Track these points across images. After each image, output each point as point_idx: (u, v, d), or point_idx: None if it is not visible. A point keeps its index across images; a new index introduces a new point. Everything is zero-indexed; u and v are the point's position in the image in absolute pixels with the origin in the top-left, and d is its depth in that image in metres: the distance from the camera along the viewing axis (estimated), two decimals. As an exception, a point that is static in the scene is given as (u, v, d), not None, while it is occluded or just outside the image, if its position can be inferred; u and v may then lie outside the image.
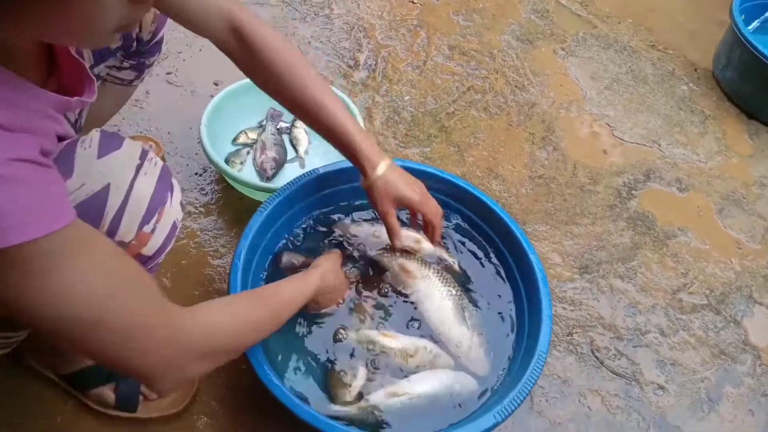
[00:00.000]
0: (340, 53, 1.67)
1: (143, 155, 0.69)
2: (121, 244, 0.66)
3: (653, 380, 1.16)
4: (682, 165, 1.60)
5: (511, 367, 0.96)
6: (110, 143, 0.67)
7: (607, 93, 1.76)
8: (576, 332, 1.20)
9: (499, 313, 1.04)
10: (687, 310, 1.28)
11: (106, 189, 0.64)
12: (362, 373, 0.90)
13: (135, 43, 0.91)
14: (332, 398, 0.88)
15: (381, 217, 0.95)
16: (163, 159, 1.27)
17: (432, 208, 0.97)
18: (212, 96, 1.30)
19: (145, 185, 0.67)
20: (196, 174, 1.30)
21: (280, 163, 1.30)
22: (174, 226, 0.72)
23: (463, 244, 1.12)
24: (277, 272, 1.02)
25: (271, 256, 1.04)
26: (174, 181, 0.73)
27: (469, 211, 1.12)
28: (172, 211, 0.71)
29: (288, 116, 1.40)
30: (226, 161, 1.27)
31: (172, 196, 0.71)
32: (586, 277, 1.29)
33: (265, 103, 1.38)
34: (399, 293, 1.00)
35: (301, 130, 1.38)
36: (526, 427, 1.05)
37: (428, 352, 0.94)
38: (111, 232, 0.65)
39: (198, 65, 1.54)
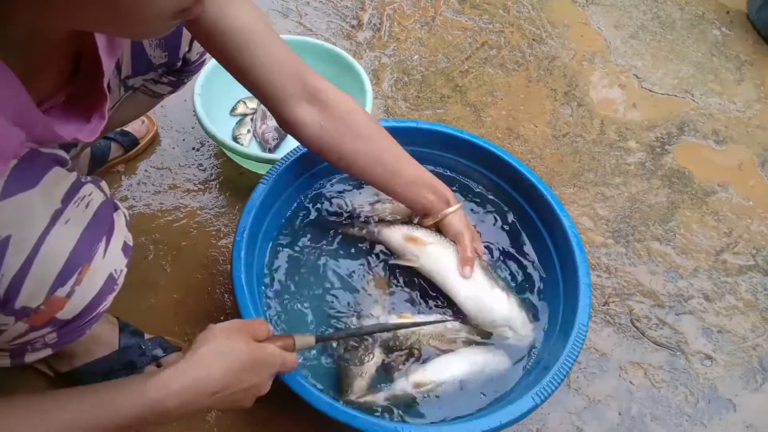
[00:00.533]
0: (342, 13, 1.55)
1: (70, 195, 0.52)
2: (23, 310, 0.50)
3: (699, 350, 1.06)
4: (719, 116, 1.48)
5: (546, 343, 0.87)
6: (23, 177, 0.49)
7: (632, 42, 1.62)
8: (613, 301, 1.10)
9: (528, 284, 0.94)
10: (733, 272, 1.18)
11: (5, 243, 0.47)
12: (376, 360, 0.81)
13: (180, 63, 0.84)
14: (343, 391, 0.80)
15: (459, 240, 0.88)
16: (154, 137, 1.19)
17: (479, 246, 0.93)
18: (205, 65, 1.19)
19: (62, 238, 0.51)
20: (193, 149, 1.21)
21: (282, 133, 1.20)
22: (110, 279, 0.56)
23: (484, 208, 1.02)
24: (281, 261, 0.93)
25: (276, 237, 0.95)
26: (116, 221, 0.58)
27: (493, 173, 1.02)
28: (106, 263, 0.55)
29: (289, 82, 1.29)
30: (234, 138, 1.18)
31: (108, 243, 0.55)
32: (620, 241, 1.19)
33: (263, 69, 1.28)
34: (405, 267, 0.90)
35: (304, 96, 1.27)
36: (564, 406, 0.96)
37: (453, 331, 0.85)
38: (8, 297, 0.49)
39: (190, 33, 1.43)
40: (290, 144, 1.20)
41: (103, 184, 0.59)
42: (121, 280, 0.59)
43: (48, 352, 0.58)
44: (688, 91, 1.52)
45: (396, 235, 0.91)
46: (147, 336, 0.88)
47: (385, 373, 0.82)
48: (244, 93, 1.26)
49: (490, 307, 0.84)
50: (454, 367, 0.81)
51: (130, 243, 0.61)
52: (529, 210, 0.98)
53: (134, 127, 1.14)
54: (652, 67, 1.57)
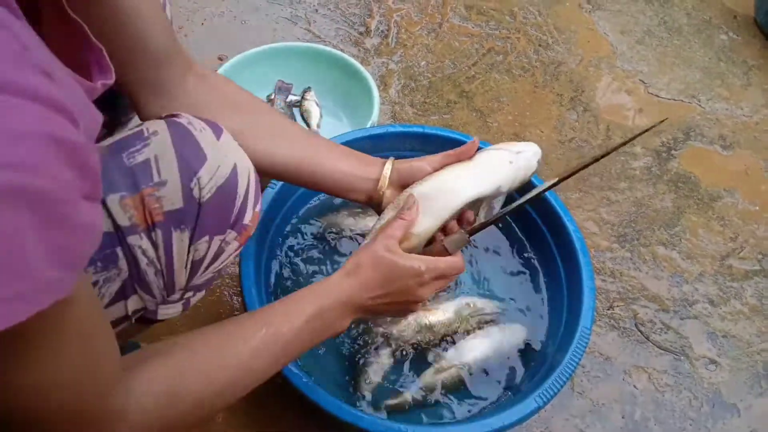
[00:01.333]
0: (350, 20, 1.57)
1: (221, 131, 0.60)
2: (243, 227, 0.59)
3: (704, 354, 1.07)
4: (725, 121, 1.48)
5: (549, 346, 0.88)
6: (213, 126, 0.58)
7: (639, 47, 1.63)
8: (617, 305, 1.10)
9: (532, 287, 0.96)
10: (738, 277, 1.18)
11: (235, 170, 0.57)
12: (384, 360, 0.84)
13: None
14: (356, 388, 0.82)
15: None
16: None
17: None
18: (216, 71, 1.22)
19: (247, 161, 0.60)
20: (203, 154, 1.23)
21: (291, 138, 1.22)
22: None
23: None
24: (289, 258, 0.95)
25: (282, 238, 0.97)
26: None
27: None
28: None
29: (298, 89, 1.32)
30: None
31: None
32: (626, 245, 1.19)
33: (273, 75, 1.30)
34: None
35: (312, 102, 1.29)
36: (568, 410, 0.97)
37: (475, 309, 0.90)
38: (239, 217, 0.58)
39: (201, 40, 1.46)
40: (298, 149, 1.22)
41: None
42: None
43: (202, 294, 0.65)
44: (694, 96, 1.53)
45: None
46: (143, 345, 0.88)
47: (412, 367, 0.87)
48: (253, 99, 1.29)
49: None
50: (474, 347, 0.86)
51: None
52: (534, 214, 0.99)
53: None
54: (658, 72, 1.57)
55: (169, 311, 0.62)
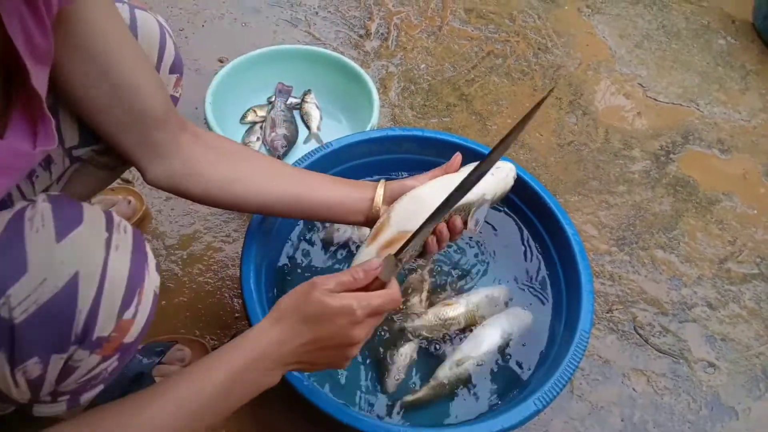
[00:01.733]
0: (350, 22, 1.57)
1: (109, 223, 0.54)
2: (97, 341, 0.52)
3: (703, 357, 1.07)
4: (723, 125, 1.49)
5: (549, 349, 0.89)
6: (68, 216, 0.51)
7: (638, 51, 1.64)
8: (616, 309, 1.11)
9: (531, 291, 0.96)
10: (736, 281, 1.18)
11: (74, 280, 0.49)
12: (409, 356, 0.88)
13: None
14: (382, 385, 0.86)
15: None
16: (144, 218, 1.09)
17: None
18: (217, 72, 1.22)
19: (119, 263, 0.53)
20: (203, 156, 1.23)
21: (291, 141, 1.23)
22: (155, 297, 0.58)
23: (487, 216, 1.04)
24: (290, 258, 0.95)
25: (285, 242, 0.97)
26: (146, 244, 0.59)
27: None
28: (151, 282, 0.57)
29: (298, 91, 1.32)
30: (243, 143, 1.21)
31: (147, 263, 0.57)
32: (624, 249, 1.20)
33: (273, 77, 1.31)
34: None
35: (312, 104, 1.29)
36: (567, 412, 0.97)
37: (490, 298, 0.93)
38: (86, 331, 0.50)
39: (201, 42, 1.46)
40: (298, 152, 1.22)
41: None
42: (158, 297, 0.59)
43: (100, 388, 0.59)
44: (693, 100, 1.53)
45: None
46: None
47: (427, 362, 0.89)
48: (253, 101, 1.30)
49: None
50: (487, 337, 0.89)
51: (157, 262, 0.61)
52: (533, 217, 1.00)
53: (118, 209, 1.06)
54: (657, 76, 1.58)
55: (44, 410, 0.58)
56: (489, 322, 0.91)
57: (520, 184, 0.99)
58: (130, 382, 0.84)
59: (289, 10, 1.57)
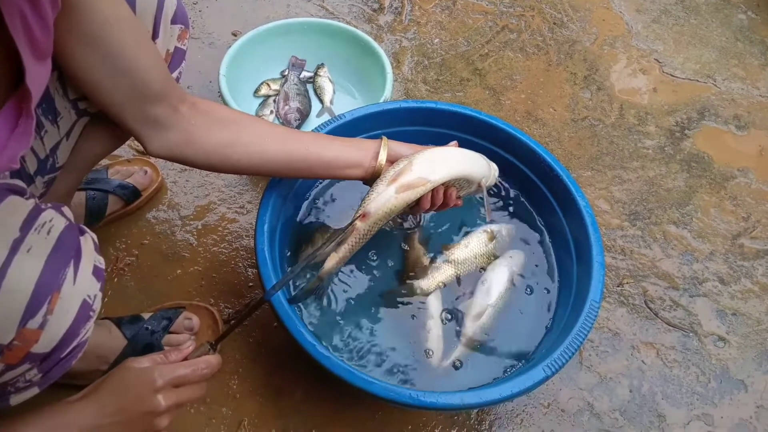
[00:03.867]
0: (364, -4, 1.56)
1: (28, 222, 0.50)
2: (6, 348, 0.49)
3: (713, 331, 1.07)
4: (741, 101, 1.47)
5: (558, 317, 0.90)
6: None
7: (655, 26, 1.61)
8: (627, 282, 1.11)
9: (543, 260, 0.97)
10: (749, 257, 1.18)
11: None
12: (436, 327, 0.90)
13: None
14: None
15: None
16: (159, 188, 1.10)
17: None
18: (230, 46, 1.22)
19: (25, 268, 0.48)
20: (218, 129, 1.24)
21: (304, 114, 1.23)
22: (85, 305, 0.54)
23: (500, 189, 1.04)
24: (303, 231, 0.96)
25: (297, 209, 0.98)
26: (83, 245, 0.55)
27: (510, 154, 1.03)
28: (78, 289, 0.52)
29: (311, 65, 1.32)
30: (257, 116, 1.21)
31: (77, 268, 0.53)
32: (637, 224, 1.20)
33: (286, 51, 1.31)
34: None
35: (325, 78, 1.30)
36: (575, 382, 0.98)
37: (492, 235, 0.96)
38: None
39: (215, 16, 1.46)
40: (311, 124, 1.23)
41: (66, 209, 0.57)
42: (97, 306, 0.56)
43: (35, 391, 0.57)
44: (710, 76, 1.51)
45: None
46: (145, 315, 0.89)
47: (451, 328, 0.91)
48: (267, 75, 1.30)
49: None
50: (494, 284, 0.93)
51: (102, 266, 0.58)
52: (545, 190, 1.00)
53: (135, 179, 1.07)
54: (674, 51, 1.56)
55: None
56: (490, 268, 0.95)
57: (532, 157, 1.00)
58: (141, 354, 0.85)
59: (303, -17, 1.56)
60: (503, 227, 0.99)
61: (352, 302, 0.91)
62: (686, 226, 1.21)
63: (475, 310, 0.91)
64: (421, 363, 0.87)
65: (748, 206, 1.26)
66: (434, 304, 0.91)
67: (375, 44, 1.25)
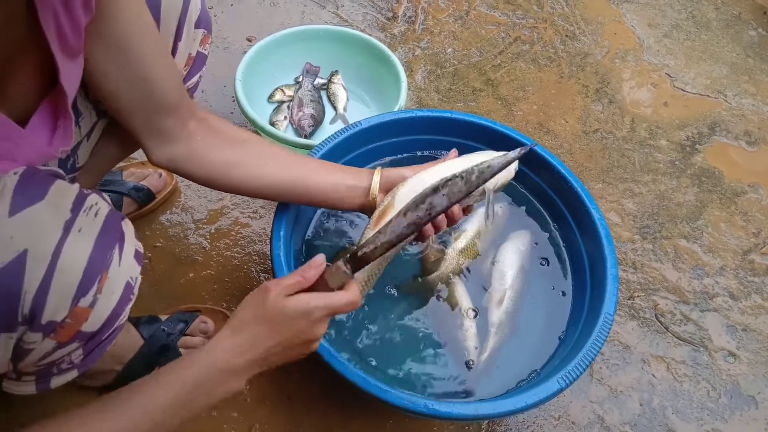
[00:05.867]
0: (378, 5, 1.57)
1: (78, 204, 0.52)
2: (49, 325, 0.50)
3: (723, 346, 1.07)
4: (751, 117, 1.47)
5: (572, 330, 0.90)
6: (28, 192, 0.49)
7: (666, 41, 1.62)
8: (638, 296, 1.11)
9: (555, 272, 0.97)
10: (760, 272, 1.18)
11: (22, 258, 0.47)
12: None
13: None
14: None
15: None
16: (173, 191, 1.11)
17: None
18: (246, 52, 1.23)
19: (78, 248, 0.50)
20: (231, 133, 1.25)
21: (318, 121, 1.24)
22: (128, 287, 0.56)
23: (514, 199, 1.04)
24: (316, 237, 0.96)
25: (311, 214, 0.99)
26: (125, 229, 0.57)
27: (523, 165, 1.03)
28: (122, 271, 0.55)
29: (325, 71, 1.33)
30: (271, 124, 1.22)
31: (121, 250, 0.55)
32: (648, 237, 1.20)
33: (300, 57, 1.32)
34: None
35: (339, 85, 1.30)
36: (586, 395, 0.98)
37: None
38: (34, 313, 0.49)
39: (230, 21, 1.47)
40: (325, 131, 1.23)
41: (105, 196, 0.59)
42: (136, 289, 0.58)
43: (74, 374, 0.59)
44: (721, 91, 1.52)
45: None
46: (162, 316, 0.90)
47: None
48: (282, 80, 1.31)
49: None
50: (508, 264, 0.96)
51: (141, 251, 0.60)
52: (559, 201, 1.00)
53: (150, 181, 1.07)
54: (684, 66, 1.56)
55: (12, 387, 0.59)
56: (500, 251, 0.97)
57: (546, 167, 1.00)
58: (156, 355, 0.86)
59: (317, -9, 1.58)
60: (497, 207, 1.01)
61: (377, 316, 0.91)
62: (697, 240, 1.21)
63: (496, 297, 0.93)
64: (457, 368, 0.88)
65: (758, 222, 1.26)
66: (464, 301, 0.93)
67: (389, 52, 1.26)
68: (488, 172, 0.65)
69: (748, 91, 1.53)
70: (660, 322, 1.08)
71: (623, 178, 1.29)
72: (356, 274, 0.66)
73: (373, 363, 0.87)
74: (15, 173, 0.50)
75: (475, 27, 1.56)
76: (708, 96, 1.50)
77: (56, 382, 0.59)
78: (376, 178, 0.78)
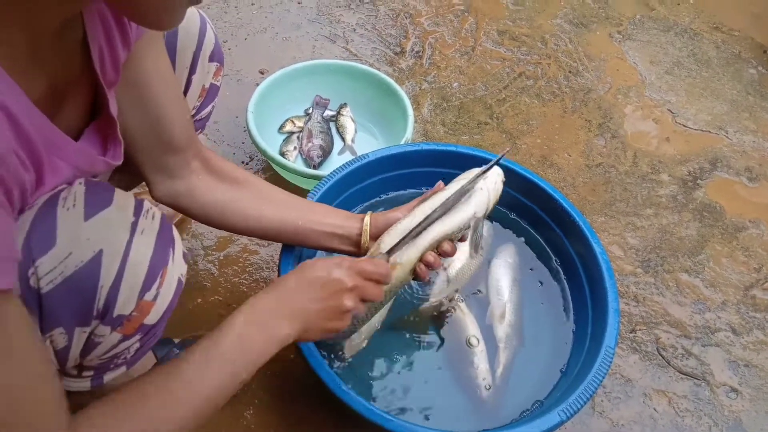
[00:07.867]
0: (386, 40, 1.62)
1: (138, 209, 0.58)
2: (118, 318, 0.55)
3: (725, 382, 1.08)
4: (752, 153, 1.50)
5: (573, 363, 0.91)
6: (98, 199, 0.55)
7: (667, 78, 1.66)
8: (640, 329, 1.12)
9: (557, 306, 0.98)
10: (761, 308, 1.19)
11: (98, 257, 0.52)
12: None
13: None
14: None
15: None
16: (183, 218, 1.12)
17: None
18: (258, 85, 1.28)
19: (143, 246, 0.56)
20: (243, 163, 1.28)
21: (326, 151, 1.27)
22: (179, 283, 0.61)
23: (516, 231, 1.06)
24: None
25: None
26: (175, 232, 0.62)
27: (526, 198, 1.06)
28: (175, 268, 0.60)
29: (334, 104, 1.37)
30: (281, 154, 1.25)
31: (173, 250, 0.60)
32: (649, 271, 1.21)
33: (311, 90, 1.36)
34: None
35: (347, 117, 1.34)
36: (588, 427, 0.98)
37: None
38: (107, 307, 0.54)
39: (244, 54, 1.52)
40: (333, 162, 1.26)
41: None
42: (182, 286, 0.63)
43: (123, 369, 0.64)
44: (722, 127, 1.55)
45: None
46: (175, 340, 0.92)
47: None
48: (292, 112, 1.35)
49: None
50: (501, 279, 1.00)
51: (187, 252, 0.67)
52: (561, 234, 1.02)
53: (162, 208, 1.04)
54: (686, 102, 1.60)
55: (71, 384, 0.63)
56: (491, 267, 1.01)
57: (548, 200, 1.02)
58: None
59: (328, 26, 1.63)
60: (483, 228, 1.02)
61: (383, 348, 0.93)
62: (698, 274, 1.22)
63: (497, 312, 0.96)
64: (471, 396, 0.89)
65: (760, 258, 1.27)
66: (472, 327, 0.95)
67: (397, 86, 1.30)
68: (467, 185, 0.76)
69: (749, 128, 1.55)
70: (662, 356, 1.09)
71: (625, 211, 1.32)
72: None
73: (380, 394, 0.88)
74: (80, 183, 0.55)
75: (480, 62, 1.61)
76: (709, 132, 1.53)
77: (109, 376, 0.64)
78: (366, 228, 0.82)
